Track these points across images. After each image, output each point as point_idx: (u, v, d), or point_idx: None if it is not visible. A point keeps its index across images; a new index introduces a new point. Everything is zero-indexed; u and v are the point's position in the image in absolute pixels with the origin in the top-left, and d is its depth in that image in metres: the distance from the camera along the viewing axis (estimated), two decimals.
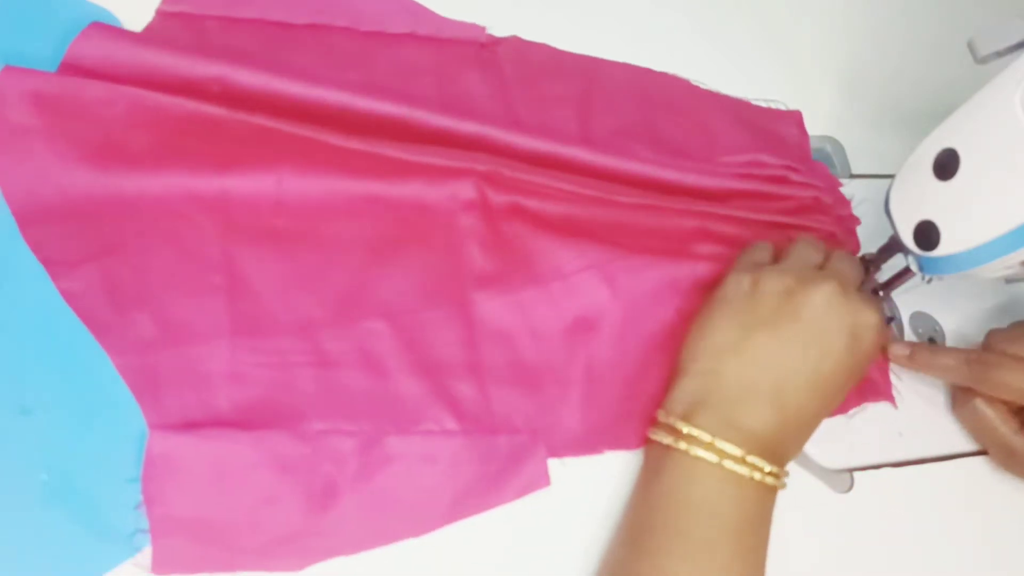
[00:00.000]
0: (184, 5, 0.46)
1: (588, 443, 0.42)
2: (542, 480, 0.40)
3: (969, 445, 0.48)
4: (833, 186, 0.52)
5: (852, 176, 0.56)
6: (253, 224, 0.41)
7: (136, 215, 0.39)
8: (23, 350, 0.37)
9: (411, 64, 0.48)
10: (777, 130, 0.54)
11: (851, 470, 0.46)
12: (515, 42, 0.51)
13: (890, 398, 0.48)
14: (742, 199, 0.50)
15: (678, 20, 0.58)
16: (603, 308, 0.44)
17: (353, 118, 0.44)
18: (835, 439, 0.45)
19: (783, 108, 0.55)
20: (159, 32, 0.45)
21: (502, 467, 0.40)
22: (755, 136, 0.52)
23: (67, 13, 0.43)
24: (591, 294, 0.44)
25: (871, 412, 0.47)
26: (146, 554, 0.34)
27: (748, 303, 0.42)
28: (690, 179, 0.49)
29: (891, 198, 0.43)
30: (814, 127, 0.57)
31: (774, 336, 0.40)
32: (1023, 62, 0.38)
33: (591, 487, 0.42)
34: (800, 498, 0.43)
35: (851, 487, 0.45)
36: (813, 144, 0.56)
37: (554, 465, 0.41)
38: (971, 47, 0.41)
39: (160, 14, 0.45)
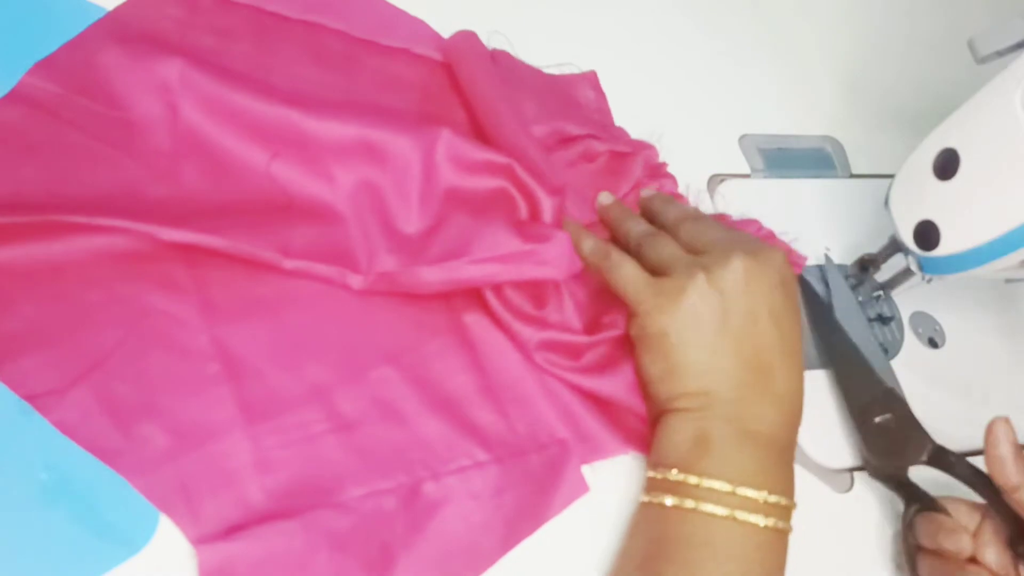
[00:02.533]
0: None
1: (612, 446, 0.42)
2: (581, 487, 0.40)
3: (966, 445, 0.48)
4: (640, 148, 0.50)
5: (852, 176, 0.56)
6: (231, 298, 0.39)
7: (110, 323, 0.37)
8: None
9: (397, 76, 0.48)
10: (574, 95, 0.52)
11: (851, 470, 0.46)
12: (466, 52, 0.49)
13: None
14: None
15: (678, 20, 0.58)
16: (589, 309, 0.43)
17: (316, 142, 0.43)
18: (835, 439, 0.45)
19: (576, 72, 0.53)
20: (150, 5, 0.44)
21: (542, 484, 0.39)
22: (553, 105, 0.50)
23: (67, 13, 0.43)
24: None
25: None
26: (146, 554, 0.34)
27: (684, 313, 0.39)
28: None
29: (891, 198, 0.43)
30: (814, 127, 0.57)
31: (727, 329, 0.39)
32: (1023, 62, 0.38)
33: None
34: (800, 498, 0.43)
35: (851, 487, 0.45)
36: (813, 144, 0.56)
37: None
38: (971, 47, 0.41)
39: None
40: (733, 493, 0.37)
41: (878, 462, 0.44)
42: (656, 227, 0.45)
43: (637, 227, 0.45)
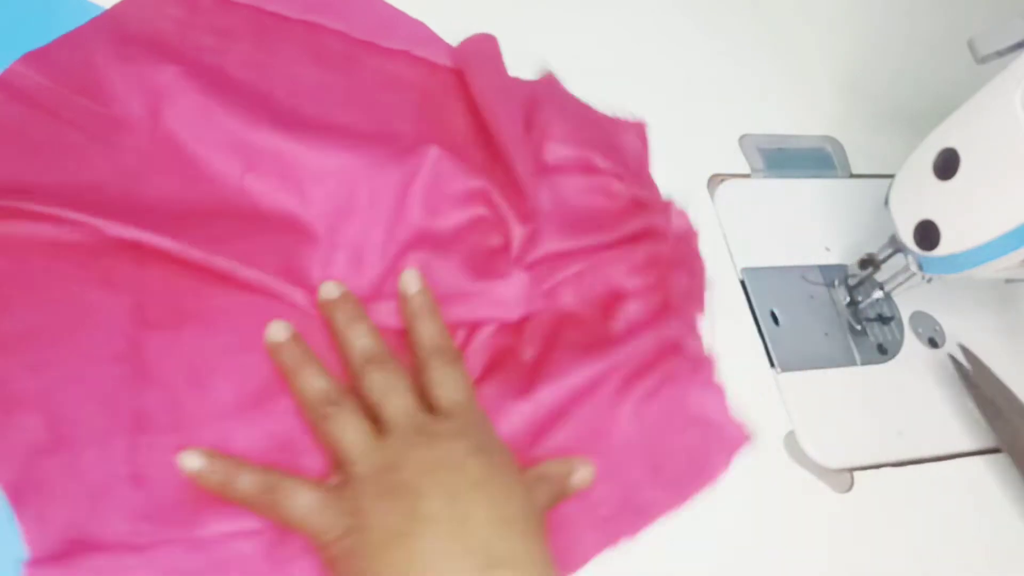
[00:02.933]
0: None
1: None
2: None
3: (969, 444, 0.48)
4: (665, 208, 0.48)
5: (852, 176, 0.56)
6: (169, 305, 0.37)
7: (31, 307, 0.35)
8: None
9: (396, 77, 0.47)
10: (617, 136, 0.50)
11: (851, 470, 0.46)
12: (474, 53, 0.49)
13: (743, 440, 0.42)
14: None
15: (678, 20, 0.58)
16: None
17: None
18: (835, 439, 0.45)
19: (630, 120, 0.50)
20: (150, 5, 0.44)
21: None
22: (589, 134, 0.48)
23: (67, 13, 0.43)
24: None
25: (871, 412, 0.47)
26: None
27: (361, 527, 0.33)
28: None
29: (891, 198, 0.43)
30: (814, 127, 0.57)
31: (419, 530, 0.32)
32: (1023, 62, 0.38)
33: None
34: (800, 498, 0.43)
35: (851, 487, 0.45)
36: (813, 144, 0.56)
37: None
38: (971, 47, 0.41)
39: None
40: None
41: None
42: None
43: (365, 344, 0.38)
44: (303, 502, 0.34)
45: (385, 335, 0.39)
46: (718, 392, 0.43)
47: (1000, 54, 0.40)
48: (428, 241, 0.42)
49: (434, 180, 0.43)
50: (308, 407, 0.36)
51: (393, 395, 0.36)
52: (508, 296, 0.40)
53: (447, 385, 0.37)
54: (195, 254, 0.38)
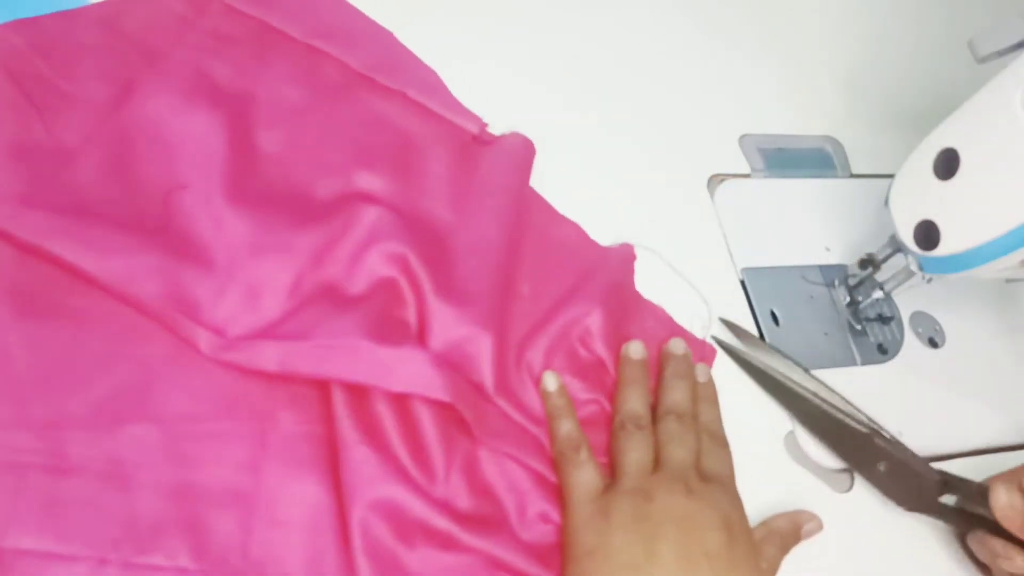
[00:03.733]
0: None
1: None
2: None
3: (966, 445, 0.48)
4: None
5: (852, 176, 0.56)
6: (49, 296, 0.36)
7: None
8: None
9: (383, 117, 0.46)
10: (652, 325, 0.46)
11: (851, 470, 0.46)
12: (506, 146, 0.47)
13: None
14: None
15: (678, 20, 0.58)
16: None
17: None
18: None
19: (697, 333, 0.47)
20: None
21: None
22: (615, 311, 0.45)
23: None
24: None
25: (871, 412, 0.47)
26: None
27: (607, 543, 0.36)
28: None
29: (891, 198, 0.43)
30: (814, 127, 0.57)
31: (656, 561, 0.35)
32: (1023, 62, 0.38)
33: None
34: (800, 498, 0.43)
35: (851, 487, 0.45)
36: (813, 144, 0.56)
37: None
38: (971, 47, 0.41)
39: None
40: None
41: (903, 505, 0.44)
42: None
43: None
44: (586, 478, 0.38)
45: (253, 379, 0.37)
46: None
47: (1000, 54, 0.40)
48: (336, 298, 0.40)
49: (364, 241, 0.41)
50: (622, 416, 0.41)
51: (680, 445, 0.40)
52: (405, 372, 0.37)
53: (718, 460, 0.41)
54: (70, 255, 0.36)
